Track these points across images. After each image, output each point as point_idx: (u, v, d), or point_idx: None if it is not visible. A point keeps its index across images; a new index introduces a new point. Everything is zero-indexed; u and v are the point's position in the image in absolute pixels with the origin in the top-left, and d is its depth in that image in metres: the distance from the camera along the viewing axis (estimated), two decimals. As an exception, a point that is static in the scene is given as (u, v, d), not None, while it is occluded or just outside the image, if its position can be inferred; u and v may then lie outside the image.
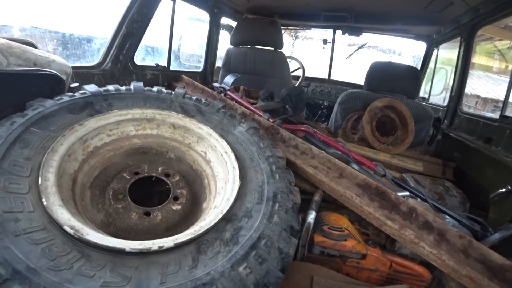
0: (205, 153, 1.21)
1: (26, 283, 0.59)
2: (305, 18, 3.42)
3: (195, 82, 2.18)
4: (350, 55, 4.14)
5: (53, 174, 0.86)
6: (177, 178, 1.15)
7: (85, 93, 1.16)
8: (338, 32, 3.74)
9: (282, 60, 2.79)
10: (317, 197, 1.29)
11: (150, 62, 2.36)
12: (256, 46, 2.90)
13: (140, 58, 2.23)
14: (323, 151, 1.45)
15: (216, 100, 1.50)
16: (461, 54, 2.36)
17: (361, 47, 4.11)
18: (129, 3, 1.95)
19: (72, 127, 1.00)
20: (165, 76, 2.37)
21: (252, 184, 1.05)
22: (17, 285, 0.58)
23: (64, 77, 1.29)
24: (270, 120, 1.62)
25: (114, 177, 1.12)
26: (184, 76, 2.36)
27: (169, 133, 1.23)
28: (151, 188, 1.20)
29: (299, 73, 3.73)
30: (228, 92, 1.90)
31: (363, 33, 3.54)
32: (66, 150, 0.95)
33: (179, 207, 1.05)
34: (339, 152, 1.61)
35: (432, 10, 2.41)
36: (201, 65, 3.09)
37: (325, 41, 3.88)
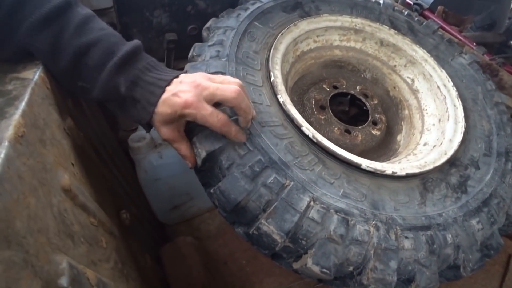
0: (413, 80, 1.05)
1: (282, 174, 0.61)
2: None
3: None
4: None
5: (279, 71, 0.86)
6: (376, 101, 1.05)
7: (294, -9, 1.09)
8: None
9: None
10: None
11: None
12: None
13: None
14: None
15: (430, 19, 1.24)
16: None
17: None
18: None
19: (288, 26, 0.96)
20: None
21: (476, 131, 0.88)
22: (275, 174, 0.61)
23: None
24: (486, 56, 1.29)
25: (309, 86, 1.09)
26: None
27: (374, 50, 1.10)
28: (338, 105, 1.15)
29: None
30: (426, 12, 1.56)
31: None
32: (284, 49, 0.93)
33: (378, 132, 0.98)
34: None
35: None
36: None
37: None
